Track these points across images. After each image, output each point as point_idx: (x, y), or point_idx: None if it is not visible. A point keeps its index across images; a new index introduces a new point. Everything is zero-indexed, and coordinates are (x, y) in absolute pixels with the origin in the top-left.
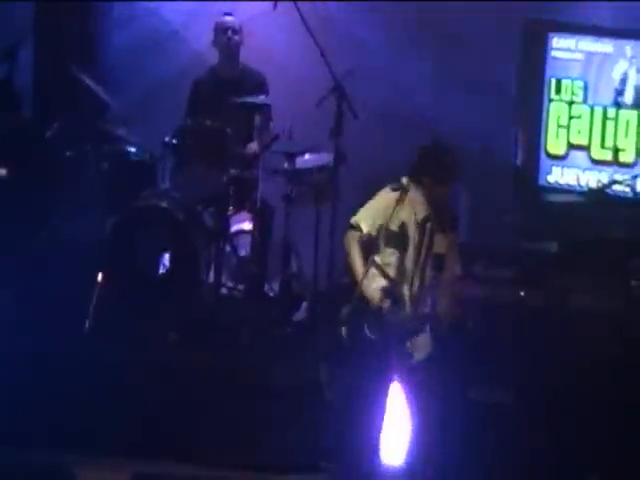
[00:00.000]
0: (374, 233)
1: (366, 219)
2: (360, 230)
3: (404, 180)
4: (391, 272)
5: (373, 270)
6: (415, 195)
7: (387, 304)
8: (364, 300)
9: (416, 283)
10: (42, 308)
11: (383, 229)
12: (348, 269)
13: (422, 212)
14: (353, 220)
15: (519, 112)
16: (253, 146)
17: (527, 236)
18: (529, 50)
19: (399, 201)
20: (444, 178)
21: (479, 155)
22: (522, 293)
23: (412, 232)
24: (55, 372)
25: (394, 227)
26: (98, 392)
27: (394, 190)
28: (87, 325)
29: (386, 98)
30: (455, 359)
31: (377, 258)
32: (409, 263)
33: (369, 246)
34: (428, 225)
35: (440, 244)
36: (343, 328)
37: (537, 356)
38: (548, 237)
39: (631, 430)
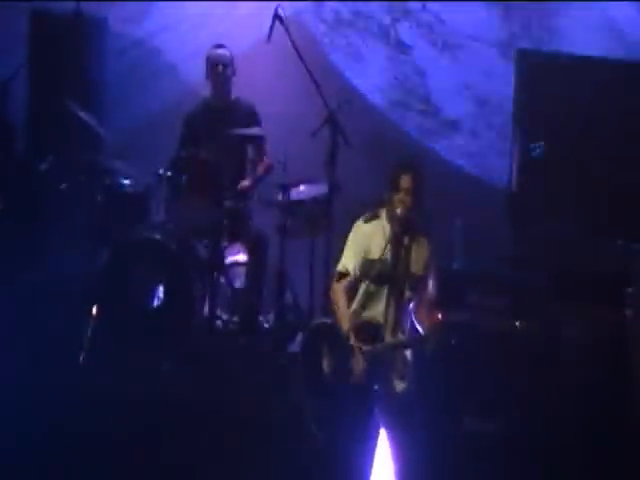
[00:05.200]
0: (359, 270)
1: (351, 259)
2: (348, 273)
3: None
4: (372, 303)
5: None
6: (386, 219)
7: (364, 347)
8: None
9: (395, 308)
10: (36, 341)
11: (364, 261)
12: (334, 317)
13: (393, 229)
14: (340, 267)
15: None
16: (246, 182)
17: (520, 265)
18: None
19: (373, 229)
20: (396, 182)
21: (474, 183)
22: (517, 323)
23: (387, 254)
24: (49, 404)
25: (373, 256)
26: (92, 424)
27: (367, 221)
28: (82, 357)
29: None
30: (441, 388)
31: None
32: (386, 289)
33: (354, 287)
34: (401, 242)
35: (416, 263)
36: (325, 360)
37: (526, 385)
38: (540, 267)
39: (624, 459)
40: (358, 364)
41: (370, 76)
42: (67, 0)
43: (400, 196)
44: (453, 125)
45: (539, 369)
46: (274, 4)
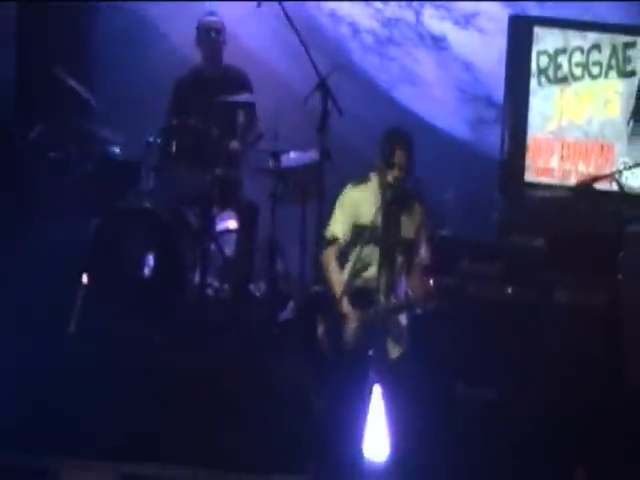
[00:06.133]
0: (349, 236)
1: (339, 226)
2: (337, 240)
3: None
4: (368, 270)
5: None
6: (376, 184)
7: (358, 312)
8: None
9: (387, 273)
10: (26, 310)
11: (354, 227)
12: (326, 283)
13: (384, 197)
14: (328, 234)
15: (506, 106)
16: (235, 144)
17: (513, 231)
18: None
19: (363, 193)
20: (389, 158)
21: (466, 149)
22: (509, 290)
23: (378, 220)
24: (40, 373)
25: (363, 221)
26: (83, 394)
27: (356, 185)
28: (72, 326)
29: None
30: (434, 354)
31: (353, 257)
32: (378, 254)
33: (345, 253)
34: (392, 209)
35: (408, 228)
36: (320, 327)
37: (521, 353)
38: (534, 232)
39: (618, 426)
40: (353, 330)
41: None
42: None
43: (394, 172)
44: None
45: (532, 336)
46: None
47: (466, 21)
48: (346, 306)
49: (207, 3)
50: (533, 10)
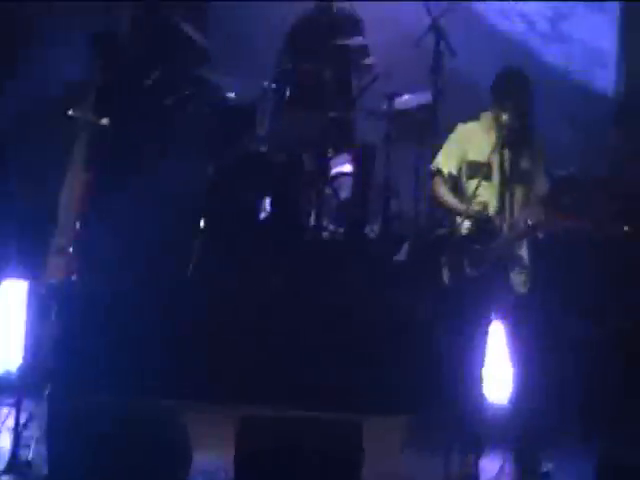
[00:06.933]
0: (456, 172)
1: (443, 161)
2: (440, 172)
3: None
4: (484, 204)
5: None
6: (491, 121)
7: (482, 238)
8: (462, 239)
9: (508, 206)
10: (146, 253)
11: (464, 162)
12: (444, 210)
13: (500, 134)
14: (432, 166)
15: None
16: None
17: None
18: None
19: (474, 130)
20: (503, 102)
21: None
22: (626, 228)
23: (494, 156)
24: (159, 318)
25: (474, 157)
26: (203, 337)
27: (466, 123)
28: (190, 270)
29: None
30: (553, 295)
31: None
32: (497, 188)
33: (457, 188)
34: (508, 146)
35: (525, 163)
36: (444, 268)
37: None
38: None
39: None
40: (477, 263)
41: None
42: None
43: (507, 116)
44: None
45: None
46: None
47: None
48: (470, 234)
49: None
50: None
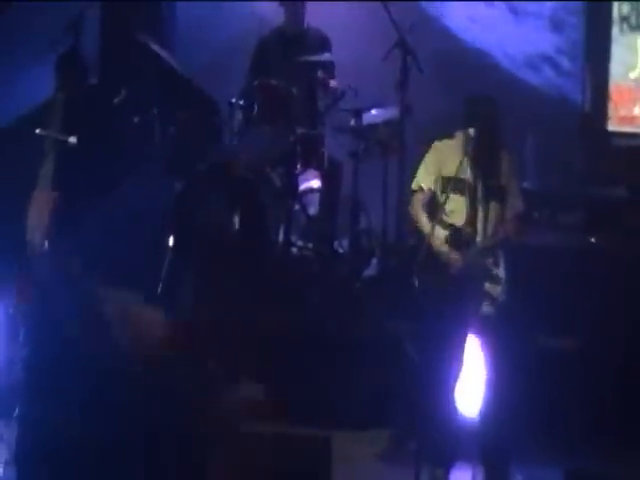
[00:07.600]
0: (434, 187)
1: (424, 177)
2: (422, 191)
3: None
4: (456, 218)
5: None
6: (464, 139)
7: (454, 253)
8: (432, 255)
9: (482, 220)
10: (112, 274)
11: (440, 178)
12: (418, 232)
13: (472, 151)
14: (413, 185)
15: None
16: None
17: (595, 181)
18: None
19: (449, 147)
20: (482, 131)
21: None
22: (592, 239)
23: (466, 172)
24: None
25: (448, 173)
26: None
27: (441, 140)
28: (160, 288)
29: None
30: (525, 307)
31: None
32: (470, 203)
33: (432, 202)
34: (479, 160)
35: (495, 176)
36: (415, 282)
37: (607, 302)
38: (616, 182)
39: None
40: (450, 273)
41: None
42: None
43: (474, 135)
44: None
45: (615, 285)
46: None
47: None
48: (442, 247)
49: None
50: None
